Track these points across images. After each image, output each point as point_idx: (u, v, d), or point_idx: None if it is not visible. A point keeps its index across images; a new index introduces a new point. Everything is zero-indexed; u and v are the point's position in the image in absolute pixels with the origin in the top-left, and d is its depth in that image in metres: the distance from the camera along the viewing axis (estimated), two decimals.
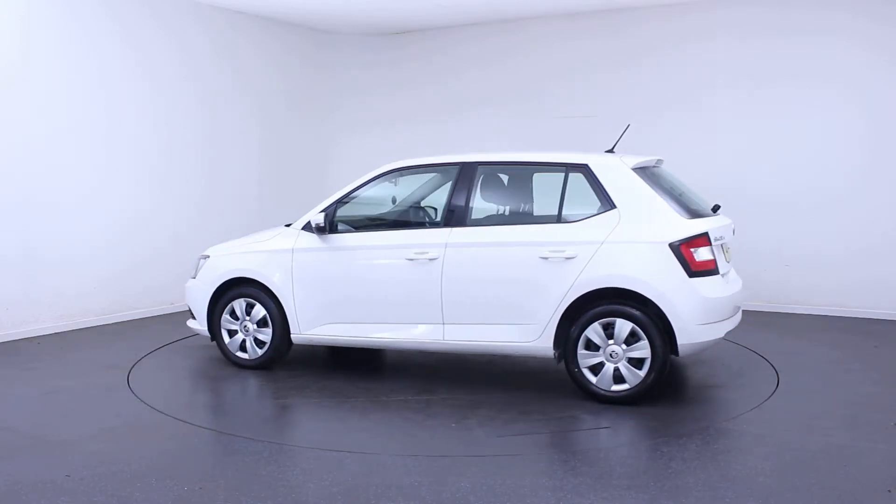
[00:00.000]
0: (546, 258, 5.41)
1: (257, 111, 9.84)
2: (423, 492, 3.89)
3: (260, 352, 6.24)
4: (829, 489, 3.92)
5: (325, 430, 4.95)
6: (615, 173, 5.55)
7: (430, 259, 5.68)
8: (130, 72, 8.26)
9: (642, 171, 5.62)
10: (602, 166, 5.60)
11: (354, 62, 10.91)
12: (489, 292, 5.57)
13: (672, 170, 9.08)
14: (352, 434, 4.82)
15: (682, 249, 5.20)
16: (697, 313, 5.20)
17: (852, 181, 8.39)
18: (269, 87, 10.00)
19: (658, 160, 6.14)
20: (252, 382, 6.00)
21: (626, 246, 5.30)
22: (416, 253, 5.73)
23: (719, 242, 5.53)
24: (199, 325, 6.48)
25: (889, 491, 3.91)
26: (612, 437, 4.73)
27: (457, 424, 4.96)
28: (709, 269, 5.30)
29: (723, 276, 5.52)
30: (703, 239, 5.30)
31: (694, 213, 5.56)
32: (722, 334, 5.43)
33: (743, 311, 8.70)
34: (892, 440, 4.64)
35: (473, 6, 9.19)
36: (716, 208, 6.05)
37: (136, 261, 8.34)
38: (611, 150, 6.13)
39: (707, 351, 7.05)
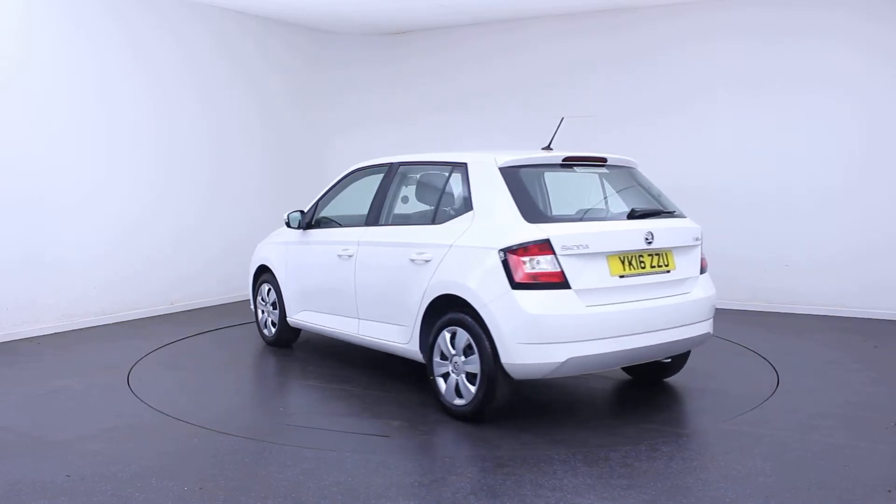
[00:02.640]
0: (413, 260, 5.30)
1: (259, 110, 9.85)
2: (423, 492, 3.89)
3: (273, 331, 7.02)
4: (829, 489, 3.92)
5: (325, 429, 4.94)
6: (483, 173, 5.13)
7: (349, 256, 5.92)
8: (131, 72, 8.26)
9: (513, 170, 5.07)
10: (475, 165, 5.21)
11: (355, 61, 10.91)
12: (379, 291, 5.69)
13: (672, 169, 9.16)
14: (352, 434, 4.81)
15: (508, 257, 4.65)
16: (520, 331, 4.58)
17: (851, 181, 8.40)
18: (271, 86, 10.02)
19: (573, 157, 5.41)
20: (252, 382, 6.00)
21: (468, 251, 4.93)
22: (342, 250, 6.00)
23: (579, 251, 4.70)
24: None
25: (889, 491, 3.91)
26: (612, 437, 4.73)
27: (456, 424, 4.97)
28: (547, 283, 4.61)
29: (587, 290, 4.70)
30: (537, 247, 4.63)
31: (562, 219, 5.00)
32: (563, 359, 4.60)
33: (743, 311, 8.82)
34: (892, 440, 4.64)
35: (473, 6, 9.19)
36: (659, 213, 5.34)
37: (137, 261, 8.35)
38: (548, 147, 5.77)
39: (706, 351, 7.06)
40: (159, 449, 4.53)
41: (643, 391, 5.76)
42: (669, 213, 5.42)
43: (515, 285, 4.62)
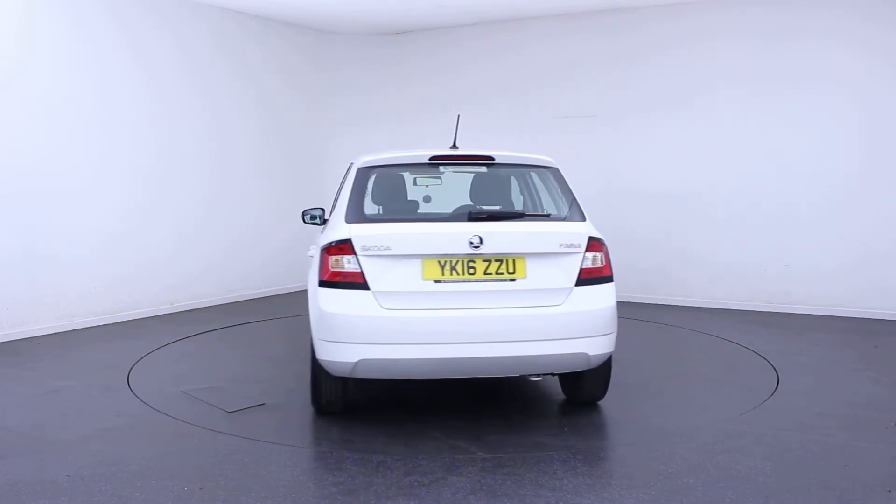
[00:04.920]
0: (311, 256, 5.35)
1: (259, 108, 9.86)
2: (422, 492, 3.90)
3: None
4: (829, 489, 3.92)
5: (324, 429, 4.94)
6: (349, 174, 5.24)
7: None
8: (131, 71, 8.26)
9: (368, 170, 5.10)
10: (352, 167, 5.29)
11: (356, 61, 10.92)
12: None
13: (671, 169, 9.15)
14: (352, 434, 4.81)
15: (322, 255, 4.72)
16: (320, 328, 4.66)
17: (851, 181, 8.39)
18: (271, 85, 10.02)
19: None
20: (253, 382, 5.99)
21: (316, 251, 5.01)
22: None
23: (381, 253, 4.58)
24: None
25: (889, 491, 3.91)
26: (612, 437, 4.73)
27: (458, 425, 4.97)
28: (347, 282, 4.59)
29: (389, 293, 4.57)
30: (339, 247, 4.65)
31: (380, 219, 5.03)
32: (355, 359, 4.55)
33: (743, 311, 8.83)
34: (892, 440, 4.64)
35: (474, 6, 9.20)
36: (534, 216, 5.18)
37: (138, 261, 8.35)
38: (454, 146, 5.65)
39: (706, 351, 7.05)
40: (159, 449, 4.52)
41: (643, 391, 5.76)
42: (532, 217, 5.09)
43: (321, 283, 4.69)
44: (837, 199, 8.46)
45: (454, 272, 4.61)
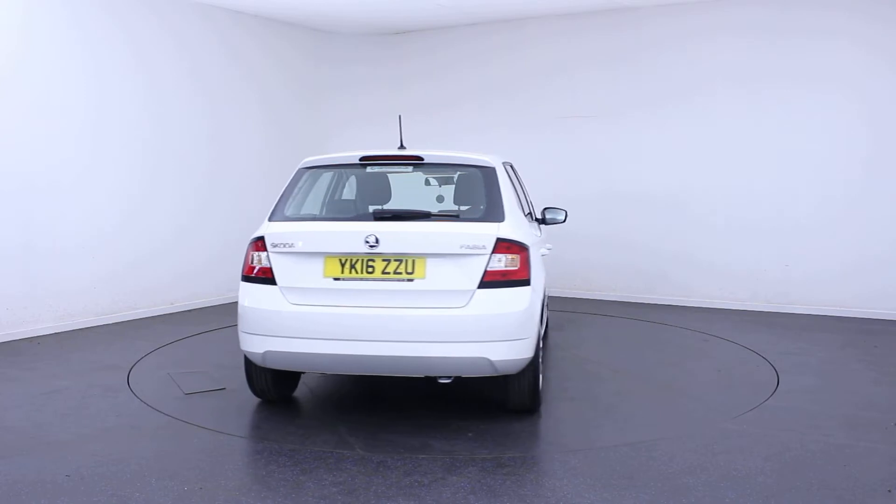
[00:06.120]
0: None
1: (259, 107, 9.86)
2: (422, 492, 3.90)
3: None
4: (829, 489, 3.92)
5: (325, 429, 4.94)
6: (292, 174, 5.47)
7: None
8: (130, 70, 8.26)
9: (305, 170, 5.37)
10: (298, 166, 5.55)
11: (356, 60, 10.92)
12: None
13: (671, 170, 9.15)
14: (352, 434, 4.81)
15: (246, 252, 4.99)
16: (239, 319, 4.92)
17: (852, 181, 8.40)
18: (271, 84, 10.03)
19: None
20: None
21: None
22: None
23: (286, 250, 4.78)
24: None
25: (889, 491, 3.91)
26: (612, 437, 4.73)
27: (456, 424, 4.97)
28: (260, 277, 4.84)
29: (294, 289, 4.74)
30: (255, 244, 4.92)
31: (295, 218, 5.10)
32: (261, 351, 4.77)
33: (743, 311, 8.83)
34: (892, 440, 4.64)
35: (473, 6, 9.20)
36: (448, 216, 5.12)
37: (138, 261, 8.34)
38: (400, 146, 5.75)
39: (706, 351, 7.05)
40: (159, 449, 4.53)
41: (643, 391, 5.76)
42: (439, 217, 5.01)
43: (243, 277, 4.96)
44: (838, 199, 8.46)
45: (353, 270, 4.70)
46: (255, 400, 5.48)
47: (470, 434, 4.77)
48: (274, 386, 5.28)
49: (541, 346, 5.24)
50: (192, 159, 9.00)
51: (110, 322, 8.04)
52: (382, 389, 5.78)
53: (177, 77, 8.78)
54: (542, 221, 6.73)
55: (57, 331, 7.56)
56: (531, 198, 7.04)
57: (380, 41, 10.87)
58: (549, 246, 6.53)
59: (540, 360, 5.15)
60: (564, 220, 6.89)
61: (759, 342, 7.17)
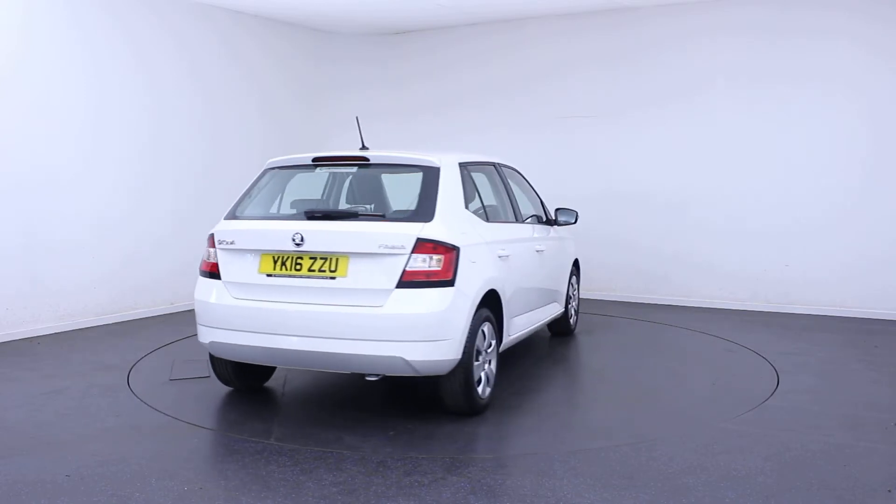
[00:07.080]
0: None
1: (259, 107, 9.86)
2: (422, 492, 3.90)
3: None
4: (829, 489, 3.92)
5: (325, 429, 4.94)
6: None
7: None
8: (130, 70, 8.26)
9: (269, 171, 5.60)
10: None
11: (356, 60, 10.92)
12: None
13: (671, 170, 9.15)
14: (352, 434, 4.81)
15: (206, 248, 5.28)
16: (196, 312, 5.20)
17: (852, 180, 8.41)
18: (271, 84, 10.03)
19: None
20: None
21: None
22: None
23: (228, 247, 5.03)
24: None
25: (889, 491, 3.91)
26: (612, 437, 4.73)
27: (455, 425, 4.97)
28: (209, 272, 5.15)
29: (235, 283, 4.98)
30: (209, 241, 5.21)
31: (243, 217, 5.27)
32: (207, 341, 5.13)
33: (743, 311, 8.82)
34: (892, 440, 4.64)
35: (473, 6, 9.20)
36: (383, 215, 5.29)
37: (138, 261, 8.35)
38: (363, 147, 5.81)
39: (706, 351, 7.05)
40: (159, 449, 4.52)
41: (643, 391, 5.76)
42: (364, 217, 5.12)
43: (200, 272, 5.25)
44: (838, 199, 8.46)
45: (284, 267, 4.88)
46: (256, 400, 5.49)
47: (391, 433, 4.77)
48: (236, 376, 5.52)
49: (492, 347, 5.20)
50: (191, 159, 9.00)
51: (110, 322, 8.04)
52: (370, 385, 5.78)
53: (176, 77, 8.78)
54: (554, 222, 6.75)
55: (57, 330, 7.56)
56: (542, 199, 6.98)
57: (380, 41, 10.86)
58: (539, 247, 6.34)
59: (489, 362, 5.19)
60: (576, 222, 6.90)
61: (759, 342, 7.17)
